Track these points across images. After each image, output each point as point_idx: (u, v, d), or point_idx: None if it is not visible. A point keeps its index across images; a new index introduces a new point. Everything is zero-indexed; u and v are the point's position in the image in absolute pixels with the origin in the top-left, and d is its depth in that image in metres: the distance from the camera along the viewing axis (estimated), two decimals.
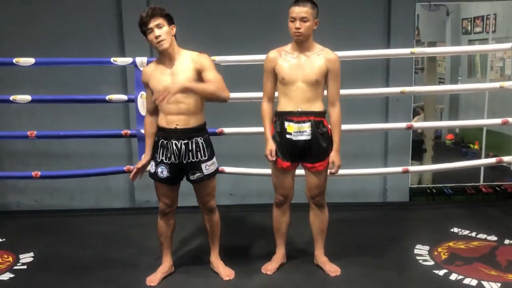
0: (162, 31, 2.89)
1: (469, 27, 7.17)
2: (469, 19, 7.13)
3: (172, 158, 3.05)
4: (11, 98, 4.00)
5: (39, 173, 4.14)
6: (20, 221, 4.56)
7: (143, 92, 3.96)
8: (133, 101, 4.04)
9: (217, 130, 4.20)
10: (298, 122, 3.10)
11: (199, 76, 2.97)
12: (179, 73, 2.96)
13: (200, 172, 3.09)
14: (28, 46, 4.68)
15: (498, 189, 5.28)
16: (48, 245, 3.88)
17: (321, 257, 3.39)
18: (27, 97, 4.01)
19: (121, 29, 4.80)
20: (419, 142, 5.89)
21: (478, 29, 6.94)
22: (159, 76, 2.98)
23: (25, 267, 3.51)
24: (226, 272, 3.32)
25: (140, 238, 3.98)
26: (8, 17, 4.85)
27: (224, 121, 4.34)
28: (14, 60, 3.94)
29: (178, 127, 3.00)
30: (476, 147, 6.90)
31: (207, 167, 3.12)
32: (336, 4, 4.67)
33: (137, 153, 4.52)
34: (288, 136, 3.13)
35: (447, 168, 4.40)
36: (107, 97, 4.04)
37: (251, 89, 4.12)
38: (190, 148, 3.04)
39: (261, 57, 4.02)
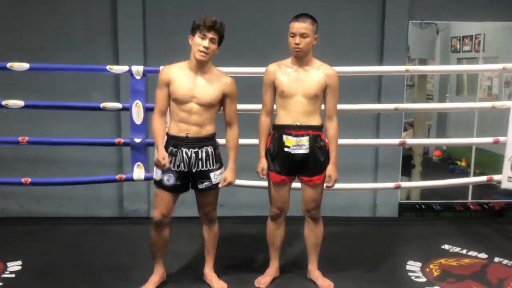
0: (212, 46, 2.95)
1: (458, 46, 7.29)
2: (458, 38, 7.26)
3: (182, 166, 3.04)
4: (3, 103, 3.94)
5: (29, 179, 4.07)
6: (7, 228, 4.48)
7: (138, 101, 3.95)
8: (127, 109, 4.01)
9: None
10: (296, 135, 3.11)
11: (222, 97, 3.09)
12: (203, 89, 3.00)
13: (208, 181, 3.10)
14: (20, 51, 4.64)
15: (486, 207, 5.33)
16: (36, 253, 3.82)
17: (314, 272, 3.38)
18: (20, 103, 3.96)
19: (116, 36, 4.78)
20: (407, 158, 5.94)
21: (467, 48, 7.06)
22: (183, 82, 2.99)
23: (13, 275, 3.44)
24: (219, 285, 3.29)
25: (131, 248, 3.94)
26: (1, 22, 4.80)
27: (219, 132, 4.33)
28: (8, 65, 3.89)
29: (190, 135, 3.02)
30: (463, 164, 6.98)
31: (216, 176, 3.13)
32: (330, 21, 4.70)
33: (128, 161, 4.49)
34: (286, 149, 3.14)
35: (439, 185, 4.43)
36: (102, 105, 4.00)
37: (247, 101, 4.13)
38: (200, 157, 3.05)
39: (259, 69, 4.05)
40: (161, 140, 3.03)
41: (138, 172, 4.06)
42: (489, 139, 4.18)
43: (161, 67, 3.13)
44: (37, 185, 4.25)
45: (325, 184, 3.22)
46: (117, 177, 4.15)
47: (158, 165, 2.99)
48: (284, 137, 3.13)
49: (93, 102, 4.35)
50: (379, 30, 4.99)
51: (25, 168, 4.86)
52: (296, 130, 3.11)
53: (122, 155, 4.87)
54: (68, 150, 4.83)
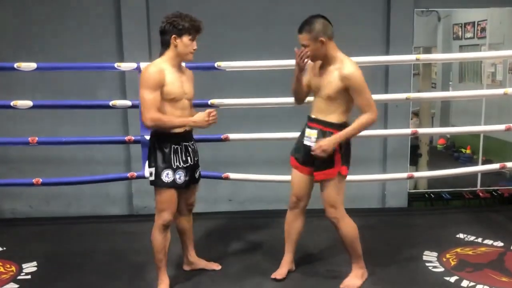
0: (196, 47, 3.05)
1: (460, 33, 7.28)
2: (460, 25, 7.24)
3: (189, 160, 3.12)
4: (12, 103, 3.91)
5: (40, 180, 4.05)
6: (18, 229, 4.47)
7: None
8: (137, 107, 3.97)
9: (222, 136, 4.16)
10: (310, 127, 3.13)
11: None
12: (187, 84, 3.11)
13: (198, 169, 3.30)
14: (23, 50, 4.63)
15: (495, 194, 5.32)
16: (50, 254, 3.80)
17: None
18: (29, 103, 3.93)
19: (120, 33, 4.75)
20: (414, 147, 5.93)
21: (469, 35, 7.05)
22: (175, 81, 3.00)
23: (29, 277, 3.43)
24: (213, 265, 3.50)
25: (144, 246, 3.86)
26: (4, 21, 4.76)
27: (225, 127, 4.32)
28: (15, 65, 3.85)
29: (187, 129, 3.10)
30: (468, 151, 6.99)
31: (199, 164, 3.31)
32: (336, 11, 4.66)
33: (135, 159, 4.49)
34: (302, 139, 3.19)
35: (452, 174, 4.42)
36: (111, 103, 3.97)
37: (254, 95, 4.15)
38: (194, 149, 3.21)
39: (266, 63, 4.04)
40: (181, 118, 3.03)
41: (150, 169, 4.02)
42: (501, 127, 4.16)
43: (151, 66, 3.00)
44: (49, 185, 4.23)
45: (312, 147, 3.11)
46: (128, 175, 4.13)
47: (212, 119, 3.00)
48: (306, 127, 3.18)
49: (99, 100, 4.34)
50: (385, 19, 4.95)
51: (33, 168, 4.83)
52: (311, 122, 3.13)
53: (130, 153, 4.85)
54: (75, 149, 4.81)
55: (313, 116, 3.11)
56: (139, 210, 4.97)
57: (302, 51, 3.02)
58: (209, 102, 4.00)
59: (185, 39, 2.96)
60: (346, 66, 3.02)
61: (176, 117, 3.00)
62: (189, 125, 3.05)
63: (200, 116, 2.99)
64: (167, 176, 3.03)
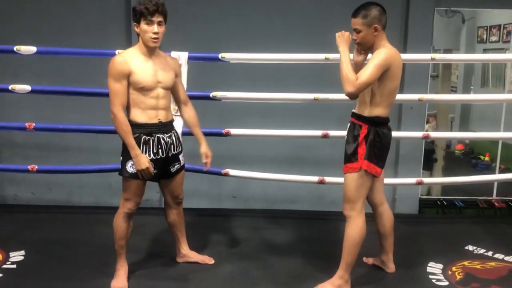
0: (161, 29, 2.95)
1: (484, 36, 7.06)
2: (485, 28, 7.01)
3: (160, 153, 3.04)
4: (10, 87, 3.88)
5: (36, 167, 4.01)
6: (15, 216, 4.42)
7: None
8: None
9: (223, 131, 4.06)
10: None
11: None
12: (163, 72, 3.03)
13: (178, 163, 3.21)
14: (31, 36, 4.56)
15: (511, 204, 5.11)
16: (40, 243, 3.73)
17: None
18: (27, 87, 3.90)
19: (128, 22, 4.69)
20: (429, 152, 5.74)
21: (494, 38, 6.82)
22: (145, 69, 2.95)
23: (14, 266, 3.35)
24: (205, 258, 3.48)
25: (140, 239, 3.80)
26: (11, 5, 4.74)
27: (227, 121, 4.25)
28: (15, 48, 3.82)
29: (162, 121, 3.04)
30: (487, 158, 6.76)
31: (182, 158, 3.24)
32: (351, 7, 4.53)
33: None
34: None
35: (464, 181, 4.23)
36: None
37: (258, 89, 4.04)
38: (171, 141, 3.11)
39: (272, 56, 3.93)
40: (133, 141, 2.93)
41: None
42: None
43: (117, 55, 3.03)
44: (44, 173, 4.22)
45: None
46: None
47: (144, 173, 2.94)
48: None
49: (103, 88, 4.26)
50: (403, 17, 4.81)
51: (36, 155, 4.85)
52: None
53: None
54: (80, 138, 4.79)
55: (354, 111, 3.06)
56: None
57: None
58: (211, 94, 3.92)
59: (142, 24, 2.90)
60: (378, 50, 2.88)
61: (130, 135, 2.91)
62: (133, 154, 2.92)
63: (143, 159, 2.91)
64: (131, 166, 2.98)
